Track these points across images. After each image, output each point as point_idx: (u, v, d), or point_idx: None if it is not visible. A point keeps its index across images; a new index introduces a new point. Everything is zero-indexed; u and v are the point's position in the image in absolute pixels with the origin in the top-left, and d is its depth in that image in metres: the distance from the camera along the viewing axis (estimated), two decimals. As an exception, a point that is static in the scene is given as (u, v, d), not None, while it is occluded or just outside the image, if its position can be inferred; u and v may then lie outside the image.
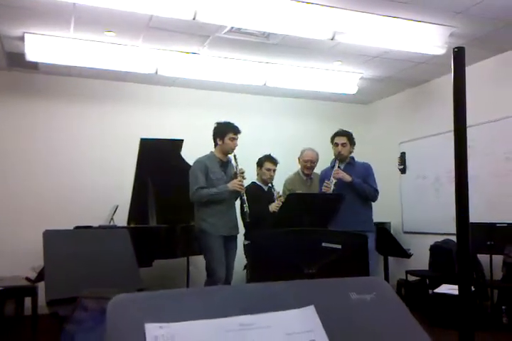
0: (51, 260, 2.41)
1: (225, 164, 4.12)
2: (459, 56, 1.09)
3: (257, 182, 4.54)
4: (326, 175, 4.29)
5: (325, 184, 4.08)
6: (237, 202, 4.21)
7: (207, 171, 3.95)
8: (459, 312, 1.17)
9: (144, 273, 3.05)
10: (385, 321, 0.88)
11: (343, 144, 4.22)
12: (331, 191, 4.00)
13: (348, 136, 4.27)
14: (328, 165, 4.39)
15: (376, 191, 4.16)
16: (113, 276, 2.52)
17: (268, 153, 4.61)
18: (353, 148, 4.31)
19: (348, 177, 4.06)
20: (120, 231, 3.08)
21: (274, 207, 4.21)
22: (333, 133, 4.33)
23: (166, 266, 4.84)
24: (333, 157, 4.32)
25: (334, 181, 4.05)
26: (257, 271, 2.48)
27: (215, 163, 4.02)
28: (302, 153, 4.77)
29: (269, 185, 4.45)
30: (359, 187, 4.07)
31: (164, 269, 4.94)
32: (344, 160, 4.25)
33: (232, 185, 3.94)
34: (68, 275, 2.39)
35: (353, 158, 4.33)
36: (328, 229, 3.93)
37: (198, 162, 4.02)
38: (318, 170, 4.76)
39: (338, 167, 4.16)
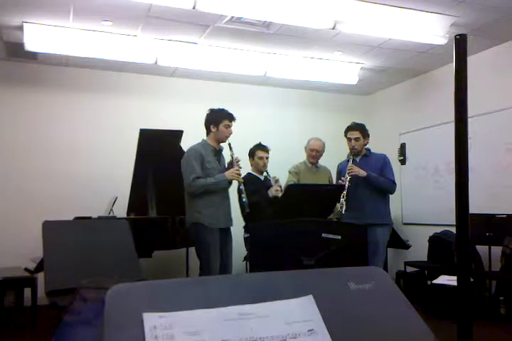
0: (50, 251, 2.41)
1: (219, 153, 3.94)
2: (461, 43, 1.08)
3: (253, 173, 4.53)
4: (342, 168, 4.26)
5: (340, 181, 4.08)
6: (232, 194, 4.13)
7: (202, 160, 3.75)
8: (457, 303, 1.17)
9: (144, 264, 3.06)
10: (384, 310, 0.88)
11: (356, 139, 4.13)
12: (346, 188, 3.95)
13: (361, 129, 4.18)
14: (341, 158, 4.37)
15: (394, 184, 4.10)
16: (113, 267, 2.53)
17: (258, 142, 4.59)
18: (368, 140, 4.23)
19: (363, 173, 3.99)
20: (120, 222, 3.08)
21: (273, 191, 4.17)
22: (346, 126, 4.25)
23: (165, 257, 4.85)
24: (348, 151, 4.29)
25: (349, 178, 4.00)
26: (256, 263, 2.49)
27: (209, 152, 3.83)
28: (309, 142, 4.79)
29: (265, 173, 4.42)
30: (375, 181, 4.01)
31: (164, 260, 4.96)
32: (359, 153, 4.19)
33: (230, 174, 3.77)
34: (68, 266, 2.39)
35: (369, 150, 4.25)
36: (328, 219, 3.94)
37: (192, 150, 3.79)
38: (321, 160, 4.78)
39: (354, 160, 4.11)
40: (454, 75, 1.11)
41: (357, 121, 4.32)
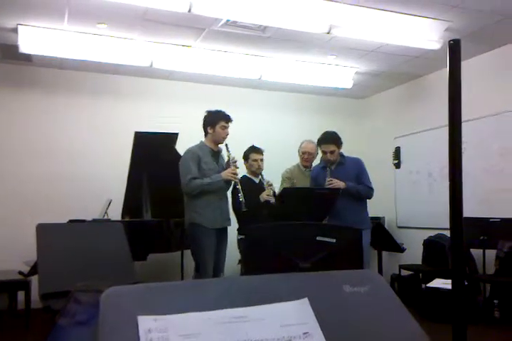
0: (44, 254, 2.40)
1: (217, 154, 4.00)
2: (454, 48, 1.09)
3: (248, 176, 4.53)
4: (317, 175, 4.21)
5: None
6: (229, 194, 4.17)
7: (199, 161, 3.81)
8: (452, 306, 1.17)
9: (139, 267, 3.05)
10: (379, 313, 0.88)
11: (331, 152, 4.03)
12: None
13: (335, 142, 4.05)
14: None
15: (371, 189, 4.09)
16: (107, 270, 2.52)
17: (251, 145, 4.59)
18: (341, 147, 4.12)
19: (341, 185, 3.95)
20: (114, 224, 3.07)
21: (264, 195, 4.18)
22: (319, 138, 4.12)
23: (160, 260, 4.84)
24: (321, 156, 4.23)
25: None
26: (251, 266, 2.49)
27: (206, 153, 3.89)
28: (301, 144, 4.77)
29: (260, 176, 4.42)
30: (354, 190, 4.00)
31: (159, 263, 4.94)
32: (334, 163, 4.11)
33: (226, 174, 3.83)
34: (62, 269, 2.38)
35: (342, 156, 4.17)
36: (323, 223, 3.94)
37: (189, 151, 3.88)
38: (316, 162, 4.76)
39: (329, 169, 4.03)
40: (448, 79, 1.12)
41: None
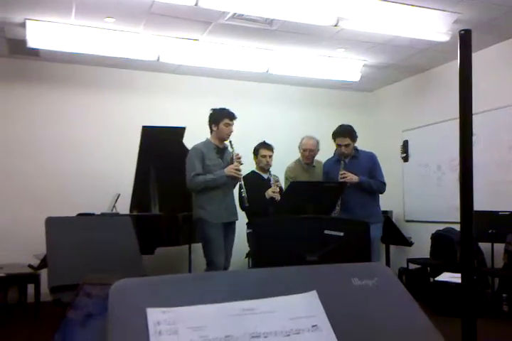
0: (54, 247, 2.42)
1: (222, 150, 4.06)
2: (465, 38, 1.07)
3: (256, 171, 4.53)
4: (330, 168, 4.20)
5: None
6: (236, 189, 4.17)
7: (203, 158, 3.89)
8: (461, 300, 1.17)
9: (146, 261, 3.07)
10: (387, 306, 0.87)
11: (346, 145, 4.04)
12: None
13: (350, 135, 4.05)
14: (329, 155, 4.33)
15: (384, 184, 4.08)
16: (115, 264, 2.53)
17: (262, 140, 4.59)
18: (356, 141, 4.12)
19: (355, 179, 3.94)
20: (123, 218, 3.08)
21: (270, 192, 4.19)
22: (334, 131, 4.11)
23: (168, 254, 4.86)
24: (335, 149, 4.23)
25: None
26: (259, 259, 2.49)
27: (211, 150, 3.97)
28: (301, 141, 4.71)
29: (269, 172, 4.43)
30: (366, 184, 3.99)
31: (166, 257, 4.96)
32: (348, 156, 4.11)
33: (229, 170, 3.88)
34: (71, 263, 2.40)
35: (356, 150, 4.17)
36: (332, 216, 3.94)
37: (194, 149, 3.97)
38: (320, 157, 4.73)
39: (343, 162, 4.03)
40: (459, 70, 1.10)
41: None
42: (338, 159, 4.12)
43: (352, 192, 3.95)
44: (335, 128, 4.15)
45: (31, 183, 5.22)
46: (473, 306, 1.16)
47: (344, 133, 4.06)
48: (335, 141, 4.13)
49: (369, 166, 4.10)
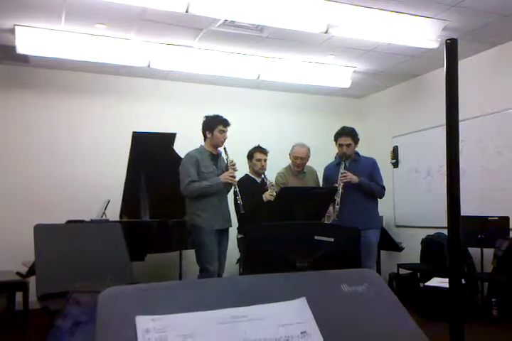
0: (42, 254, 2.40)
1: (216, 157, 4.08)
2: (451, 47, 1.09)
3: (250, 175, 4.54)
4: (330, 172, 4.22)
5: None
6: (230, 195, 4.20)
7: (198, 164, 3.89)
8: (449, 305, 1.17)
9: (137, 268, 3.05)
10: (376, 312, 0.88)
11: (348, 145, 4.10)
12: (339, 195, 3.95)
13: (353, 135, 4.14)
14: (325, 160, 4.35)
15: (383, 188, 4.13)
16: (105, 271, 2.51)
17: (257, 144, 4.60)
18: (357, 144, 4.21)
19: (355, 179, 3.98)
20: (112, 225, 3.07)
21: (267, 195, 4.19)
22: (337, 132, 4.18)
23: (158, 260, 4.83)
24: (336, 153, 4.27)
25: (342, 184, 3.99)
26: (249, 265, 2.49)
27: (205, 156, 3.98)
28: (292, 149, 4.69)
29: (263, 175, 4.43)
30: (366, 186, 4.03)
31: (157, 263, 4.93)
32: (349, 158, 4.17)
33: (224, 177, 3.90)
34: (60, 270, 2.38)
35: (357, 154, 4.23)
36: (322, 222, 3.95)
37: (188, 155, 3.97)
38: (311, 163, 4.74)
39: (344, 164, 4.07)
40: (445, 78, 1.12)
41: (347, 125, 4.30)
42: (338, 162, 4.17)
43: (351, 195, 3.97)
44: (337, 130, 4.22)
45: (20, 190, 5.18)
46: (460, 310, 1.17)
47: (347, 133, 4.15)
48: (337, 142, 4.19)
49: (369, 170, 4.15)
